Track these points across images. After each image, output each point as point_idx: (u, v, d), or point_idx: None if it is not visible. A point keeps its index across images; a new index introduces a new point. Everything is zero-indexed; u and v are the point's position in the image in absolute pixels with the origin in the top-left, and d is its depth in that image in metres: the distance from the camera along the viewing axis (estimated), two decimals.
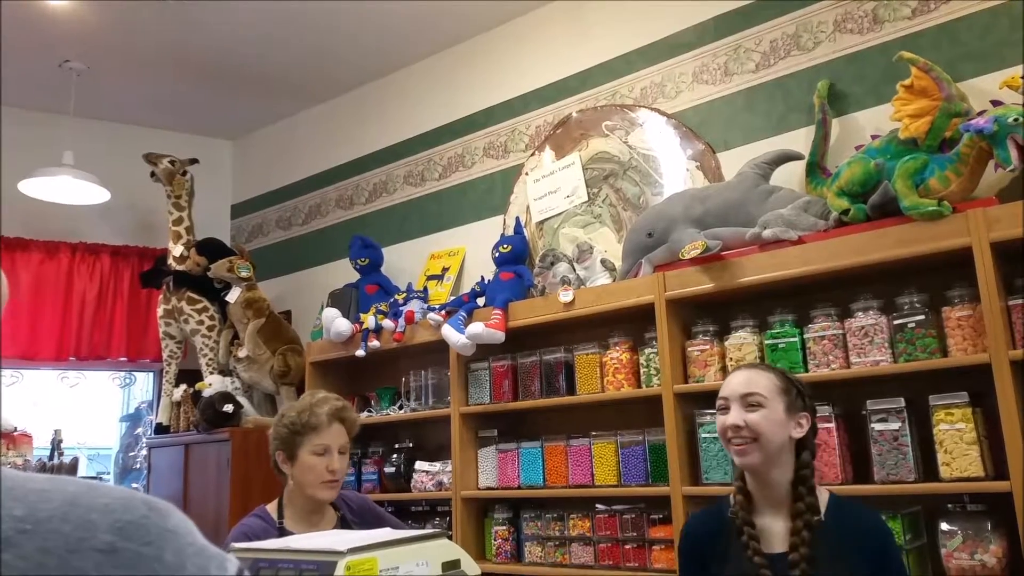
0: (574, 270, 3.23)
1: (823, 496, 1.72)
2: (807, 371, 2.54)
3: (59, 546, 0.46)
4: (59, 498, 0.48)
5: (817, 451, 1.86)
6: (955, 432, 2.26)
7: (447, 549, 1.53)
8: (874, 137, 2.63)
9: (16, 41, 4.06)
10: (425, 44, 4.25)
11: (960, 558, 2.20)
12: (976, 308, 2.28)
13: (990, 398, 2.20)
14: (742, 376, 1.78)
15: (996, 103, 2.35)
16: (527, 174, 3.78)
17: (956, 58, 2.63)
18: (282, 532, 1.99)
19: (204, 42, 4.19)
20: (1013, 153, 2.20)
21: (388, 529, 1.93)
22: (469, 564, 1.55)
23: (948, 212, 2.30)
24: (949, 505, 2.29)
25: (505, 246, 3.48)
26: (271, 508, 2.11)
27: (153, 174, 4.52)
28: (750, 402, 1.72)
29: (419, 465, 3.58)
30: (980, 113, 2.38)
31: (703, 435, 2.71)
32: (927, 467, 2.33)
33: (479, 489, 3.34)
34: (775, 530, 1.70)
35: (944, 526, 2.26)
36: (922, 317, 2.39)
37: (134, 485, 4.99)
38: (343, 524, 2.08)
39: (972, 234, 2.24)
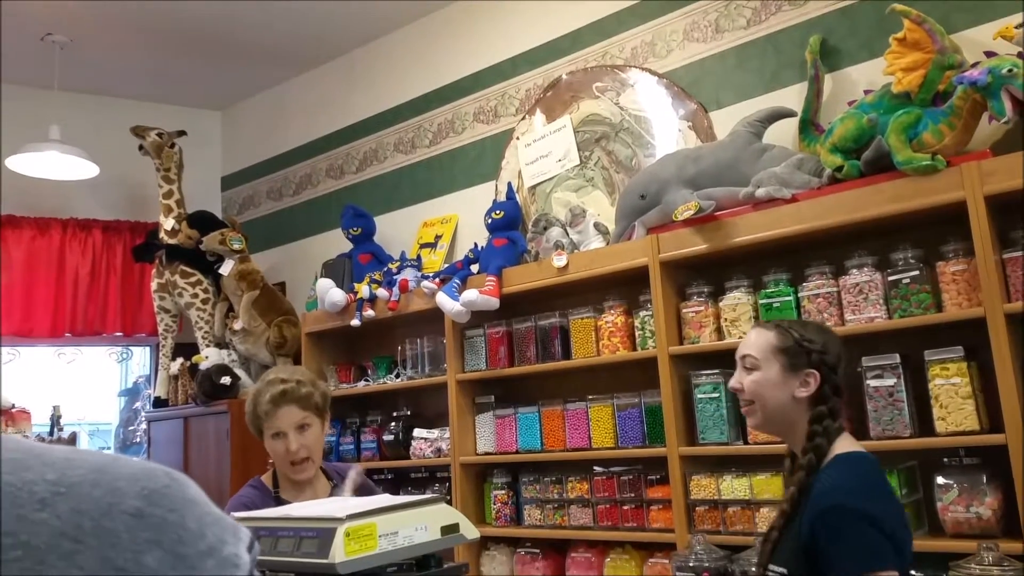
0: (567, 234, 3.22)
1: (839, 449, 1.62)
2: None
3: (91, 508, 0.48)
4: (86, 466, 0.50)
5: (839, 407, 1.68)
6: (950, 387, 2.26)
7: (445, 513, 1.54)
8: (867, 92, 2.60)
9: None
10: (412, 7, 4.19)
11: (956, 511, 2.22)
12: (971, 262, 2.28)
13: (985, 352, 2.21)
14: (746, 336, 1.77)
15: (990, 54, 2.32)
16: (518, 139, 3.75)
17: (949, 9, 2.59)
18: (279, 501, 2.00)
19: (188, 10, 4.12)
20: (1007, 105, 2.18)
21: (387, 495, 1.94)
22: (468, 527, 1.56)
23: (942, 166, 2.28)
24: (945, 459, 2.30)
25: (498, 212, 3.46)
26: (266, 479, 2.12)
27: (141, 147, 4.48)
28: (746, 364, 1.71)
29: (417, 432, 3.60)
30: (974, 65, 2.35)
31: (699, 396, 2.72)
32: (923, 422, 2.34)
33: (477, 455, 3.35)
34: None
35: (940, 480, 2.27)
36: (917, 273, 2.38)
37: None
38: (338, 493, 2.08)
39: (966, 188, 2.22)
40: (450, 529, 1.52)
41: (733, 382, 1.74)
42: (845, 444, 1.65)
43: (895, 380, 2.36)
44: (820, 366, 1.66)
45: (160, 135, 4.47)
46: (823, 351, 1.67)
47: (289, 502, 1.98)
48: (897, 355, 2.37)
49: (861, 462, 1.61)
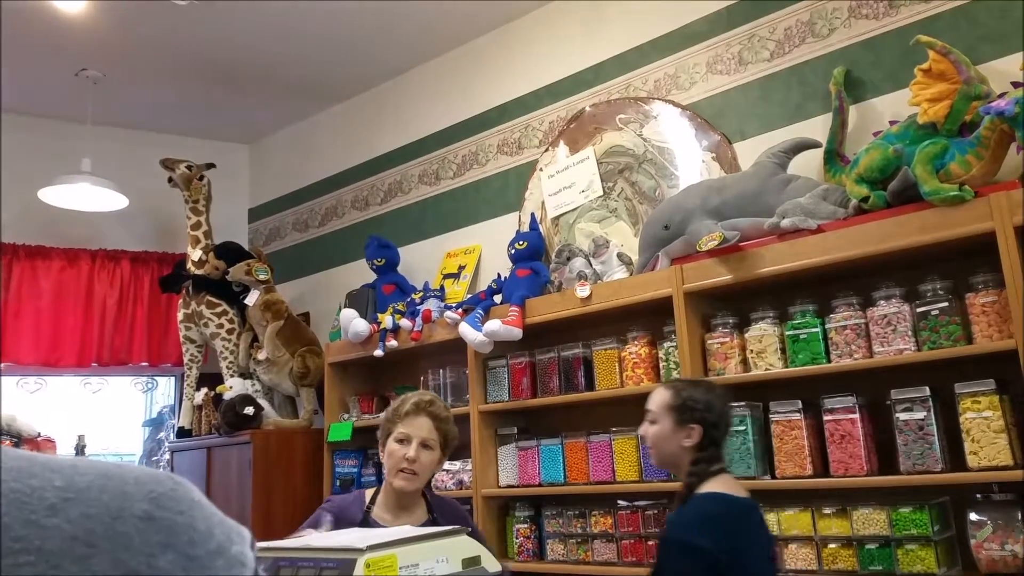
0: (590, 265, 3.21)
1: (704, 488, 1.90)
2: (829, 361, 2.51)
3: (102, 513, 0.49)
4: (93, 472, 0.51)
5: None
6: (982, 420, 2.22)
7: (467, 546, 1.52)
8: (892, 123, 2.59)
9: (33, 50, 4.10)
10: (437, 42, 4.25)
11: (990, 549, 2.16)
12: (1001, 294, 2.24)
13: (1017, 385, 2.16)
14: (652, 393, 2.08)
15: (1017, 85, 2.31)
16: (541, 170, 3.76)
17: (975, 40, 2.58)
18: (367, 515, 2.12)
19: (218, 47, 4.21)
20: None
21: (408, 527, 1.93)
22: (489, 560, 1.54)
23: (970, 197, 2.26)
24: (978, 495, 2.25)
25: (521, 243, 3.47)
26: (369, 492, 2.21)
27: (170, 179, 4.55)
28: (648, 418, 2.05)
29: None
30: (1000, 95, 2.33)
31: None
32: (954, 456, 2.29)
33: (500, 487, 3.33)
34: None
35: (973, 516, 2.22)
36: (946, 304, 2.35)
37: None
38: (430, 524, 2.11)
39: (995, 218, 2.20)
40: (472, 562, 1.50)
41: (640, 431, 2.08)
42: (714, 485, 1.91)
43: (925, 413, 2.31)
44: (702, 421, 1.96)
45: (189, 168, 4.54)
46: (706, 409, 1.98)
47: (373, 519, 2.11)
48: (927, 388, 2.33)
49: (710, 501, 1.87)
